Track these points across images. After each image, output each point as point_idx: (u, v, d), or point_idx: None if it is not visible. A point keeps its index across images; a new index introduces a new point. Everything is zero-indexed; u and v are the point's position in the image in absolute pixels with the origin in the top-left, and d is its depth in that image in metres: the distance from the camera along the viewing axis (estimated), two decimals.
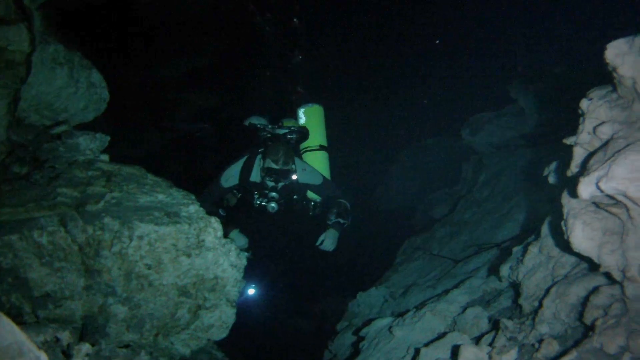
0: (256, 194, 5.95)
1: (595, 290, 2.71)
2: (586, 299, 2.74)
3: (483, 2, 12.42)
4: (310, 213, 6.37)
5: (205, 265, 4.45)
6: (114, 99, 5.98)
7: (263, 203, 5.90)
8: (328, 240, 5.88)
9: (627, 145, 2.28)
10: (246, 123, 6.53)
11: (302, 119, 6.93)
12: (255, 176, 5.96)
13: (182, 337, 4.50)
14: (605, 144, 2.48)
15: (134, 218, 4.20)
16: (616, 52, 2.35)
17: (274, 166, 5.68)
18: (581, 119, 2.79)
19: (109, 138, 5.00)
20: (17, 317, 3.71)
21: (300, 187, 6.10)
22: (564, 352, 2.48)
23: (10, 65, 4.24)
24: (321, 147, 6.83)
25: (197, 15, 11.97)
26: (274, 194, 5.82)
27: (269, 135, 6.30)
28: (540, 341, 2.79)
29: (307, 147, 6.80)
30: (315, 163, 6.60)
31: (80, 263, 4.01)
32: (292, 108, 7.21)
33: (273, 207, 5.83)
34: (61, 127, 4.92)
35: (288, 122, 6.75)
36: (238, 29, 12.66)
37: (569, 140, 2.90)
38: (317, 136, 6.83)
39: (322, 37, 13.69)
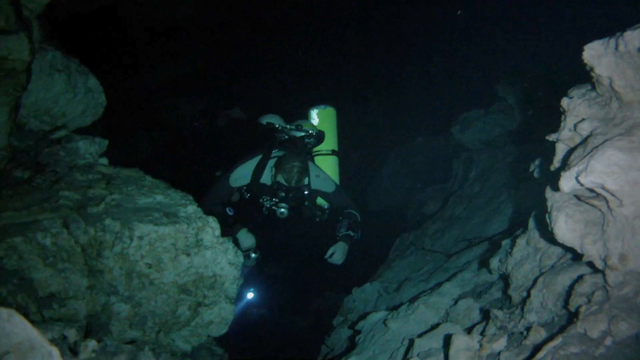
0: (266, 198, 5.75)
1: (579, 279, 2.83)
2: (571, 288, 2.86)
3: (471, 3, 12.56)
4: (317, 219, 6.15)
5: (204, 264, 4.57)
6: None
7: (273, 207, 5.71)
8: (337, 254, 5.80)
9: (605, 141, 2.41)
10: (263, 121, 6.32)
11: (315, 121, 6.79)
12: (266, 178, 5.78)
13: (182, 333, 4.62)
14: (585, 140, 2.61)
15: (134, 219, 4.32)
16: (593, 53, 2.48)
17: (285, 184, 5.56)
18: (562, 116, 2.92)
19: (107, 142, 5.12)
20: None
21: (312, 194, 5.93)
22: (550, 338, 2.60)
23: (12, 73, 4.35)
24: (333, 152, 6.70)
25: (180, 23, 12.12)
26: (283, 204, 5.64)
27: (286, 137, 6.14)
28: (529, 329, 2.92)
29: (319, 151, 6.65)
30: (326, 168, 6.44)
31: (83, 263, 4.12)
32: (303, 108, 7.00)
33: (282, 213, 5.66)
34: (60, 132, 5.03)
35: (305, 125, 6.49)
36: (222, 35, 12.81)
37: (551, 137, 3.03)
38: (330, 140, 6.70)
39: (308, 35, 13.80)
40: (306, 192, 5.76)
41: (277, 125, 6.20)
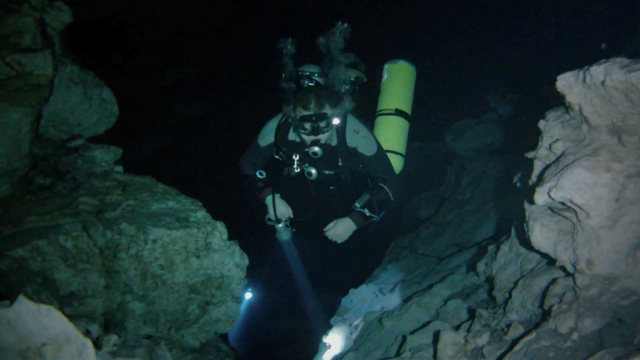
0: (296, 157, 4.81)
1: (553, 281, 3.17)
2: (546, 289, 3.20)
3: (470, 12, 12.86)
4: (371, 186, 5.00)
5: (212, 265, 4.91)
6: None
7: (304, 167, 4.83)
8: (338, 229, 4.79)
9: (575, 160, 2.75)
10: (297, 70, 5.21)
11: (384, 77, 5.60)
12: (293, 135, 4.79)
13: (192, 330, 4.95)
14: (558, 158, 2.95)
15: (148, 223, 4.66)
16: (564, 83, 2.81)
17: (305, 113, 4.38)
18: (540, 136, 3.27)
19: (121, 150, 5.45)
20: None
21: (347, 152, 4.75)
22: (526, 333, 2.94)
23: (36, 88, 4.68)
24: (398, 112, 5.36)
25: (181, 29, 12.32)
26: (316, 148, 4.53)
27: (311, 83, 5.19)
28: (509, 326, 3.26)
29: (381, 110, 5.43)
30: (385, 130, 5.32)
31: (101, 265, 4.45)
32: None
33: (310, 174, 4.82)
34: (78, 141, 5.35)
35: (348, 73, 5.26)
36: (222, 40, 13.02)
37: (529, 155, 3.39)
38: (394, 98, 5.43)
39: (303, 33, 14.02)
40: (335, 122, 4.58)
41: (300, 72, 5.23)
